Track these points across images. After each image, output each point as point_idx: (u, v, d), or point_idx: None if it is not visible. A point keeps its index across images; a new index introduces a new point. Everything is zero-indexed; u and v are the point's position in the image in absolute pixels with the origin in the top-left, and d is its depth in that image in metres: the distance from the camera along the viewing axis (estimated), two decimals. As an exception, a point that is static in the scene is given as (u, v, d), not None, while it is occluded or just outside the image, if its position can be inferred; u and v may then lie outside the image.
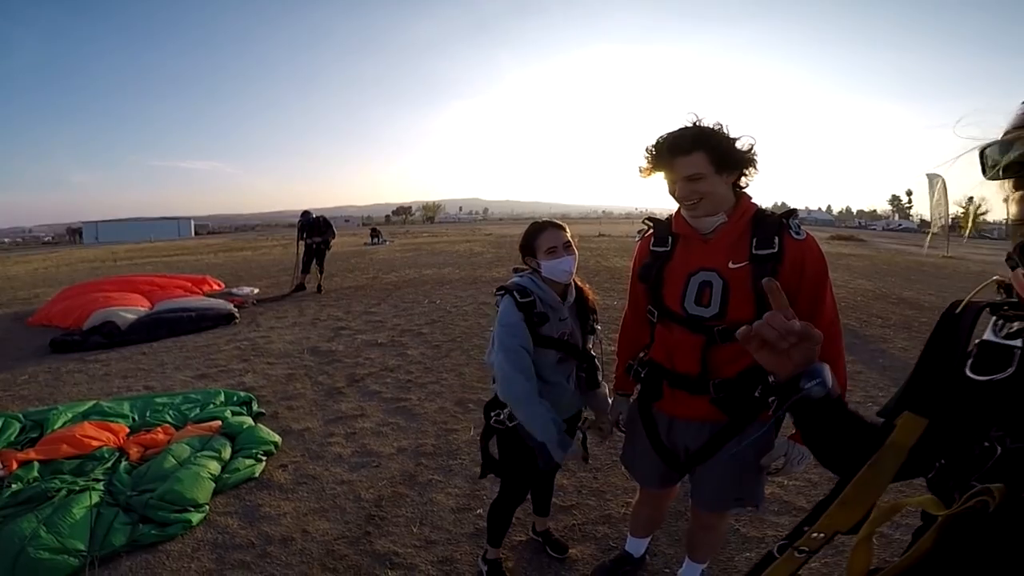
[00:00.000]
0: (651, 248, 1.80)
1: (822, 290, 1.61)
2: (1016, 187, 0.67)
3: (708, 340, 1.64)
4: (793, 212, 1.64)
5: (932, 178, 22.52)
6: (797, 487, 3.07)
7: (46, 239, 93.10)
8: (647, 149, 1.66)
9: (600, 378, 2.21)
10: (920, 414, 0.74)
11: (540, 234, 1.99)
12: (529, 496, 2.48)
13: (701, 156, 1.55)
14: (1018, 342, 0.68)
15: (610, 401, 2.20)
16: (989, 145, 0.67)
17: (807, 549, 0.78)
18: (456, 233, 41.22)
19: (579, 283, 2.14)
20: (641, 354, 1.94)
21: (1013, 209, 0.67)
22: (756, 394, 1.60)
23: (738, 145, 1.60)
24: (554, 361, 2.03)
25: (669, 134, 1.61)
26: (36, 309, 9.25)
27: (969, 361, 0.72)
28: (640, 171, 1.70)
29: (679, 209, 1.72)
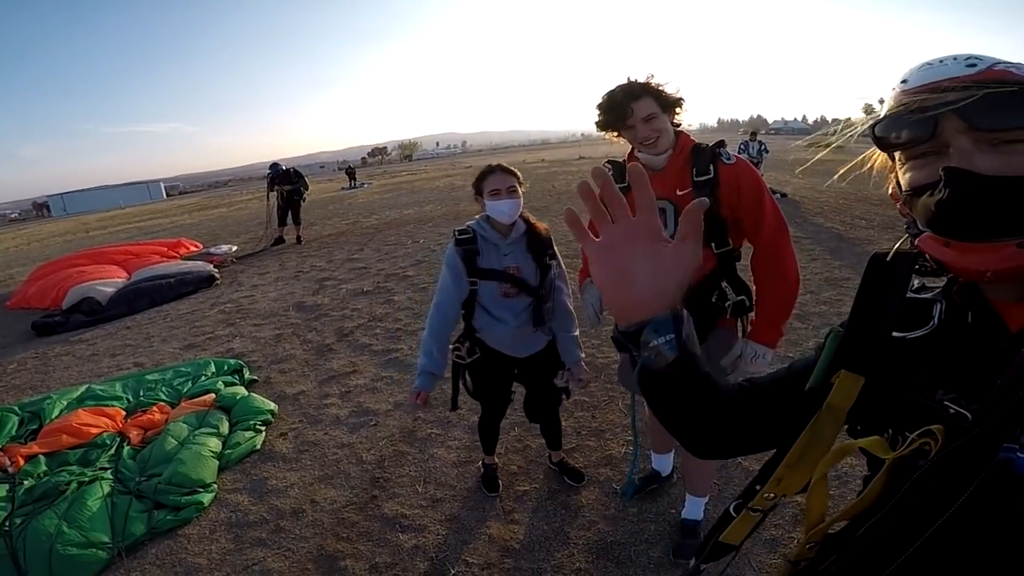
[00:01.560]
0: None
1: (760, 201, 1.84)
2: (908, 157, 0.67)
3: None
4: (721, 142, 1.91)
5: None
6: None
7: (12, 216, 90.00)
8: (599, 107, 1.88)
9: (547, 319, 2.28)
10: (856, 371, 0.71)
11: (487, 177, 2.18)
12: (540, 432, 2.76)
13: (649, 99, 1.81)
14: (935, 294, 0.69)
15: (579, 347, 2.37)
16: (879, 122, 0.67)
17: (761, 509, 0.79)
18: (435, 169, 40.32)
19: (528, 219, 2.27)
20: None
21: (907, 177, 0.66)
22: (712, 300, 1.90)
23: (667, 89, 1.85)
24: (497, 293, 2.22)
25: (616, 87, 1.85)
26: (12, 291, 9.04)
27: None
28: (596, 125, 1.94)
29: (632, 150, 1.98)
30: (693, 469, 2.25)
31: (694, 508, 2.28)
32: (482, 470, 2.77)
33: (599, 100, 1.88)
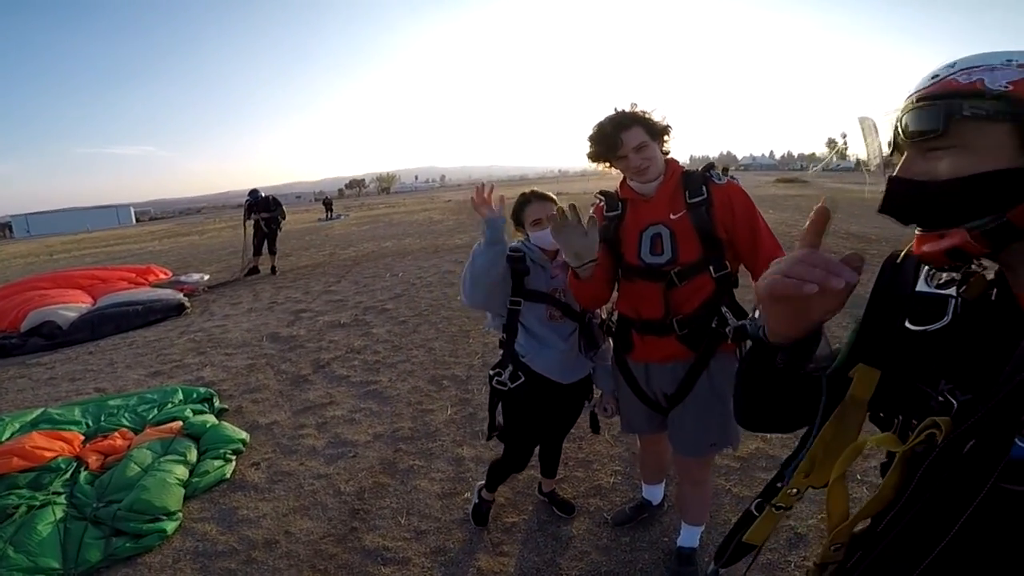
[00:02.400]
0: (605, 214, 2.01)
1: (755, 221, 1.85)
2: (941, 146, 0.70)
3: (667, 284, 1.86)
4: (711, 165, 1.93)
5: (863, 121, 23.61)
6: (782, 441, 3.09)
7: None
8: (590, 139, 1.90)
9: (601, 342, 2.22)
10: (873, 365, 0.76)
11: (525, 207, 2.16)
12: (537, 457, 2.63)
13: (638, 129, 1.83)
14: (952, 291, 0.71)
15: (615, 387, 2.26)
16: (905, 114, 0.72)
17: (784, 506, 0.81)
18: (414, 202, 40.44)
19: None
20: (609, 309, 2.17)
21: (947, 166, 0.69)
22: (713, 325, 1.85)
23: (655, 117, 1.87)
24: (544, 315, 2.17)
25: (606, 118, 1.87)
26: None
27: (907, 312, 0.74)
28: (588, 156, 1.95)
29: (624, 179, 1.97)
30: (690, 499, 2.20)
31: (690, 536, 2.23)
32: (476, 501, 2.59)
33: (589, 132, 1.91)
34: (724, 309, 1.88)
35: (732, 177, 1.92)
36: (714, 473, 2.59)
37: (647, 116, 1.86)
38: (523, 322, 2.18)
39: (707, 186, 1.85)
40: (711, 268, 1.84)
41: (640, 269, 1.90)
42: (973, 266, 0.71)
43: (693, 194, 1.84)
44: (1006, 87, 0.65)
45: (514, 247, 2.14)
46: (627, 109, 1.87)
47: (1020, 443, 0.55)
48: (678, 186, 1.88)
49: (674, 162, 1.93)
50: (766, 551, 2.22)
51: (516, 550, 2.42)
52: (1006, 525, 0.58)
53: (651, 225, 1.88)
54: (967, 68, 0.69)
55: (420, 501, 2.81)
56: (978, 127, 0.67)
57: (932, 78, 0.71)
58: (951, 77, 0.69)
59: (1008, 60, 0.67)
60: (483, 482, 2.56)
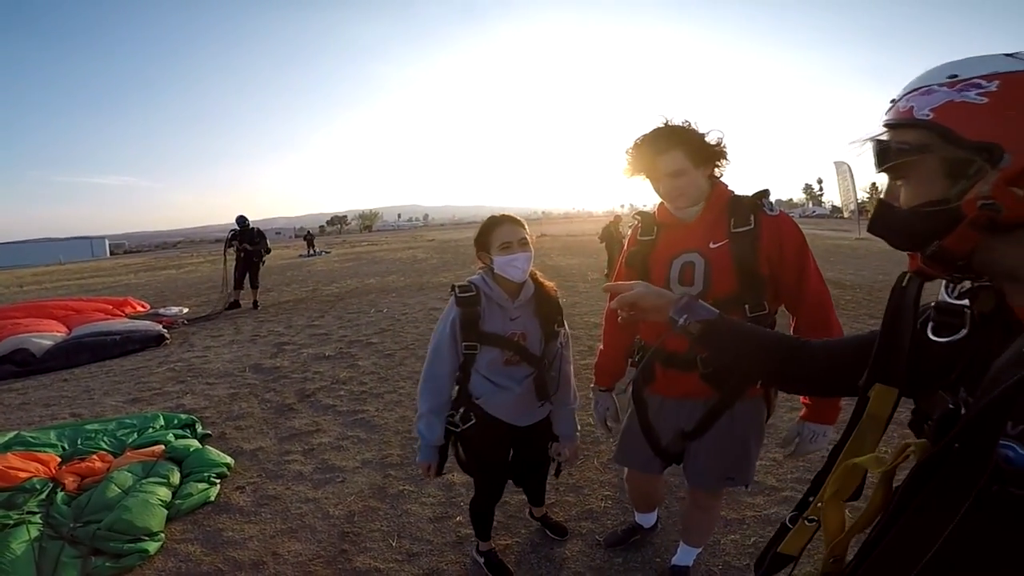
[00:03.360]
0: (639, 237, 1.90)
1: (803, 264, 1.69)
2: (896, 177, 0.75)
3: None
4: (764, 192, 1.73)
5: (839, 165, 24.56)
6: (764, 467, 3.14)
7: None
8: (627, 151, 1.73)
9: (552, 391, 2.07)
10: (889, 384, 0.78)
11: (495, 229, 1.95)
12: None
13: (679, 153, 1.64)
14: (966, 302, 0.73)
15: (576, 423, 2.22)
16: (875, 141, 0.75)
17: (816, 518, 0.82)
18: (397, 241, 40.53)
19: (540, 279, 2.06)
20: (637, 338, 1.98)
21: (902, 196, 0.74)
22: None
23: (709, 139, 1.68)
24: (499, 360, 2.00)
25: (646, 135, 1.69)
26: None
27: (930, 324, 0.75)
28: (624, 172, 1.77)
29: (662, 202, 1.82)
30: (696, 522, 2.15)
31: (685, 555, 2.21)
32: (481, 560, 2.39)
33: (631, 144, 1.72)
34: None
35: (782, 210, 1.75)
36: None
37: (696, 138, 1.66)
38: (475, 365, 2.02)
39: (756, 216, 1.67)
40: (746, 307, 1.66)
41: None
42: (984, 280, 0.72)
43: (739, 223, 1.67)
44: (928, 115, 0.67)
45: (464, 286, 1.97)
46: (678, 123, 1.67)
47: (1007, 445, 0.55)
48: (723, 212, 1.71)
49: (721, 186, 1.75)
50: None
51: (511, 571, 2.39)
52: (1000, 531, 0.59)
53: (684, 252, 1.74)
54: (912, 91, 0.70)
55: (412, 524, 2.77)
56: (912, 160, 0.70)
57: (891, 103, 0.74)
58: (899, 103, 0.71)
59: (952, 75, 0.67)
60: (476, 544, 2.43)
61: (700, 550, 2.26)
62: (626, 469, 2.26)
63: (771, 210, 1.70)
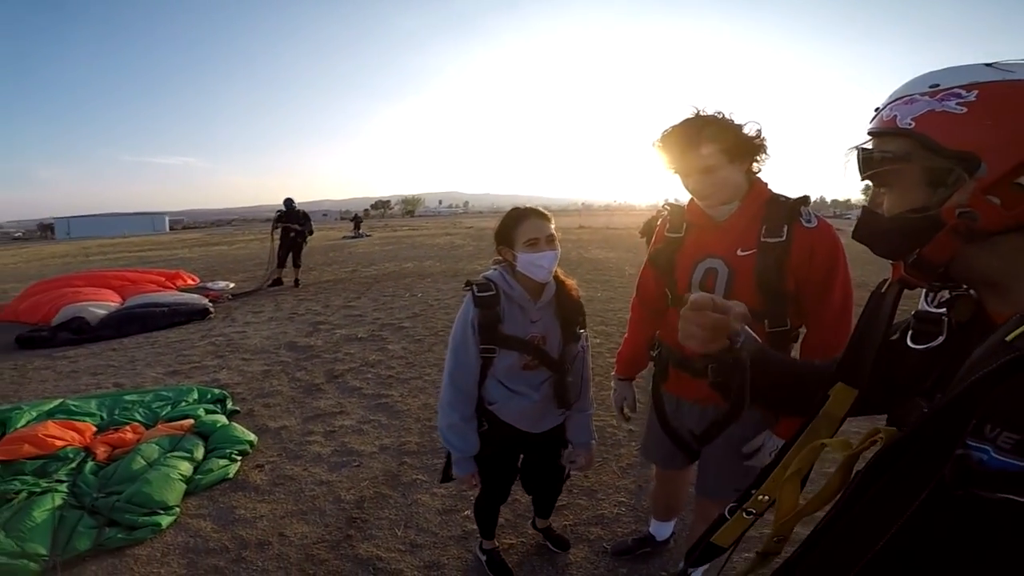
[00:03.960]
0: (666, 234, 1.80)
1: (831, 279, 1.55)
2: (879, 184, 0.76)
3: None
4: (805, 199, 1.58)
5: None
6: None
7: (16, 235, 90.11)
8: (655, 145, 1.63)
9: (573, 398, 1.97)
10: (851, 385, 0.79)
11: (521, 223, 1.80)
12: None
13: (711, 147, 1.52)
14: (944, 310, 0.74)
15: (592, 429, 2.12)
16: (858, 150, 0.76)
17: (754, 511, 0.84)
18: (436, 226, 40.90)
19: (561, 278, 1.93)
20: (658, 332, 1.92)
21: (885, 204, 0.75)
22: None
23: (746, 132, 1.55)
24: (517, 365, 1.88)
25: (675, 127, 1.57)
26: (4, 305, 8.90)
27: (909, 332, 0.77)
28: (661, 166, 1.66)
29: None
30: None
31: (697, 573, 2.14)
32: (484, 559, 2.36)
33: (660, 136, 1.62)
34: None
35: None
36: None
37: (733, 132, 1.53)
38: (491, 369, 1.89)
39: (791, 227, 1.53)
40: (766, 321, 1.56)
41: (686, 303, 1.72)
42: (962, 289, 0.73)
43: (771, 233, 1.54)
44: (910, 124, 0.68)
45: (483, 284, 1.83)
46: (711, 113, 1.55)
47: (974, 444, 0.55)
48: (757, 216, 1.58)
49: (760, 184, 1.61)
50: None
51: (512, 572, 2.36)
52: (958, 533, 0.59)
53: (709, 257, 1.64)
54: (895, 100, 0.71)
55: (419, 515, 2.78)
56: (895, 168, 0.71)
57: (875, 112, 0.75)
58: (883, 112, 0.72)
59: (934, 84, 0.68)
60: (480, 542, 2.39)
61: (707, 567, 2.17)
62: (653, 468, 2.25)
63: (808, 221, 1.55)
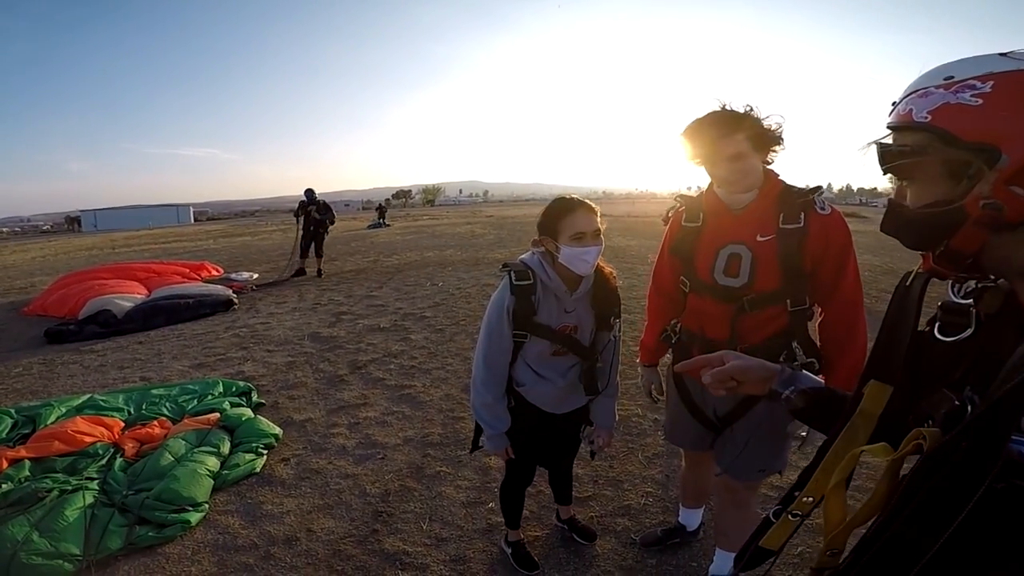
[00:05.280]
0: (683, 223, 1.87)
1: (844, 263, 1.68)
2: (902, 177, 0.76)
3: (738, 309, 1.72)
4: (818, 188, 1.69)
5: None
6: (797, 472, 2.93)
7: (45, 228, 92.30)
8: (683, 134, 1.70)
9: (602, 387, 1.99)
10: (885, 381, 0.79)
11: (567, 215, 1.76)
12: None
13: (742, 136, 1.62)
14: (971, 301, 0.73)
15: (615, 413, 2.17)
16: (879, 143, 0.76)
17: (800, 513, 0.83)
18: (456, 215, 40.91)
19: (601, 266, 1.90)
20: (674, 321, 2.00)
21: (908, 197, 0.75)
22: (781, 359, 1.68)
23: (768, 124, 1.65)
24: (547, 351, 1.92)
25: (708, 116, 1.66)
26: (32, 298, 9.11)
27: (936, 324, 0.76)
28: (686, 154, 1.74)
29: (710, 186, 1.80)
30: (731, 523, 2.07)
31: (724, 563, 2.10)
32: (509, 551, 2.34)
33: (686, 127, 1.69)
34: (795, 344, 1.73)
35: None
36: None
37: (757, 123, 1.63)
38: (522, 354, 1.93)
39: (807, 214, 1.64)
40: (788, 301, 1.69)
41: (711, 288, 1.77)
42: (989, 279, 0.72)
43: (788, 219, 1.65)
44: (926, 118, 0.67)
45: (521, 271, 1.83)
46: (736, 108, 1.65)
47: (1016, 438, 0.55)
48: (773, 204, 1.68)
49: (773, 175, 1.72)
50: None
51: (541, 563, 2.34)
52: (1004, 527, 0.58)
53: (731, 243, 1.72)
54: (910, 93, 0.71)
55: (444, 508, 2.76)
56: (915, 161, 0.71)
57: (892, 106, 0.75)
58: (900, 106, 0.72)
59: (948, 76, 0.67)
60: (505, 534, 2.39)
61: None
62: (681, 457, 2.32)
63: (823, 208, 1.67)
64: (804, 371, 1.02)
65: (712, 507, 2.55)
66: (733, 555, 2.09)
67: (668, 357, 2.14)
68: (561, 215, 1.77)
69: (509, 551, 2.35)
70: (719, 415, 1.87)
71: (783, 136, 1.68)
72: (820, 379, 1.01)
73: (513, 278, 1.81)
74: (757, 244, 1.67)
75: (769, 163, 1.71)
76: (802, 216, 1.64)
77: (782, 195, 1.69)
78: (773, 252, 1.66)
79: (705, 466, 2.21)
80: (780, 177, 1.73)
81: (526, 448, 2.10)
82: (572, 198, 1.82)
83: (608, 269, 1.94)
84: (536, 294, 1.81)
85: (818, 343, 1.75)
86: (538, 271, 1.82)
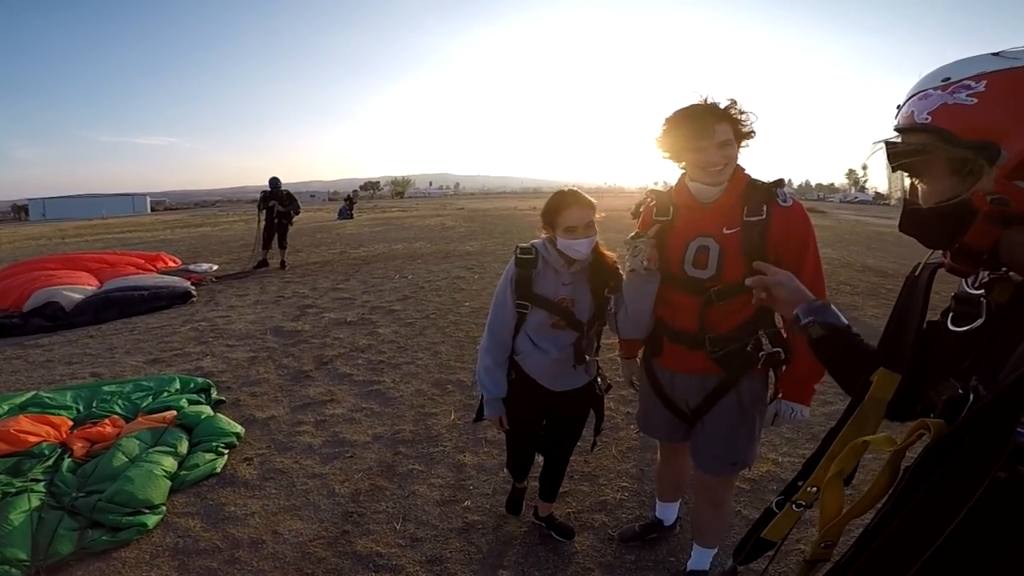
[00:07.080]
0: (654, 217, 1.90)
1: (804, 250, 1.74)
2: (912, 176, 0.78)
3: (706, 300, 1.77)
4: (780, 182, 1.77)
5: (875, 145, 23.53)
6: (792, 464, 2.96)
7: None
8: (670, 121, 1.73)
9: (591, 354, 2.16)
10: (894, 370, 0.80)
11: (563, 211, 1.96)
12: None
13: (727, 126, 1.69)
14: (983, 292, 0.74)
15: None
16: (887, 143, 0.78)
17: (803, 503, 0.84)
18: (427, 208, 40.49)
19: (600, 250, 2.07)
20: None
21: (920, 195, 0.78)
22: (748, 348, 1.74)
23: (744, 118, 1.73)
24: (546, 323, 2.07)
25: (700, 104, 1.71)
26: (-28, 291, 8.58)
27: (950, 315, 0.77)
28: (658, 145, 1.80)
29: (680, 180, 1.86)
30: (708, 520, 2.07)
31: (702, 559, 2.10)
32: (509, 491, 2.60)
33: (671, 115, 1.74)
34: (761, 333, 1.74)
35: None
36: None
37: (740, 115, 1.72)
38: (523, 324, 2.10)
39: (769, 206, 1.71)
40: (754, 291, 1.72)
41: (680, 280, 1.81)
42: (1000, 271, 0.73)
43: (752, 212, 1.71)
44: (926, 119, 0.70)
45: (527, 248, 2.07)
46: (720, 102, 1.71)
47: (1019, 430, 0.56)
48: (739, 197, 1.75)
49: (740, 170, 1.78)
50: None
51: (515, 562, 2.28)
52: (1010, 516, 0.59)
53: (700, 236, 1.77)
54: (912, 96, 0.73)
55: (417, 507, 2.67)
56: (922, 161, 0.73)
57: (897, 108, 0.77)
58: (903, 109, 0.75)
59: (945, 78, 0.70)
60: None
61: (716, 551, 2.14)
62: (656, 450, 2.35)
63: (784, 201, 1.73)
64: (832, 308, 1.03)
65: (688, 502, 2.55)
66: (709, 550, 2.12)
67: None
68: (558, 210, 1.97)
69: (509, 492, 2.61)
70: (691, 407, 1.90)
71: (754, 132, 1.75)
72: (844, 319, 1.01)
73: (519, 253, 2.07)
74: (724, 237, 1.73)
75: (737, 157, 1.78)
76: (764, 208, 1.70)
77: (747, 189, 1.75)
78: (738, 244, 1.72)
79: (680, 458, 2.21)
80: (746, 171, 1.78)
81: (525, 424, 2.23)
82: (567, 193, 2.01)
83: (609, 254, 2.09)
84: (536, 267, 2.04)
85: (784, 334, 1.78)
86: (540, 249, 2.06)
